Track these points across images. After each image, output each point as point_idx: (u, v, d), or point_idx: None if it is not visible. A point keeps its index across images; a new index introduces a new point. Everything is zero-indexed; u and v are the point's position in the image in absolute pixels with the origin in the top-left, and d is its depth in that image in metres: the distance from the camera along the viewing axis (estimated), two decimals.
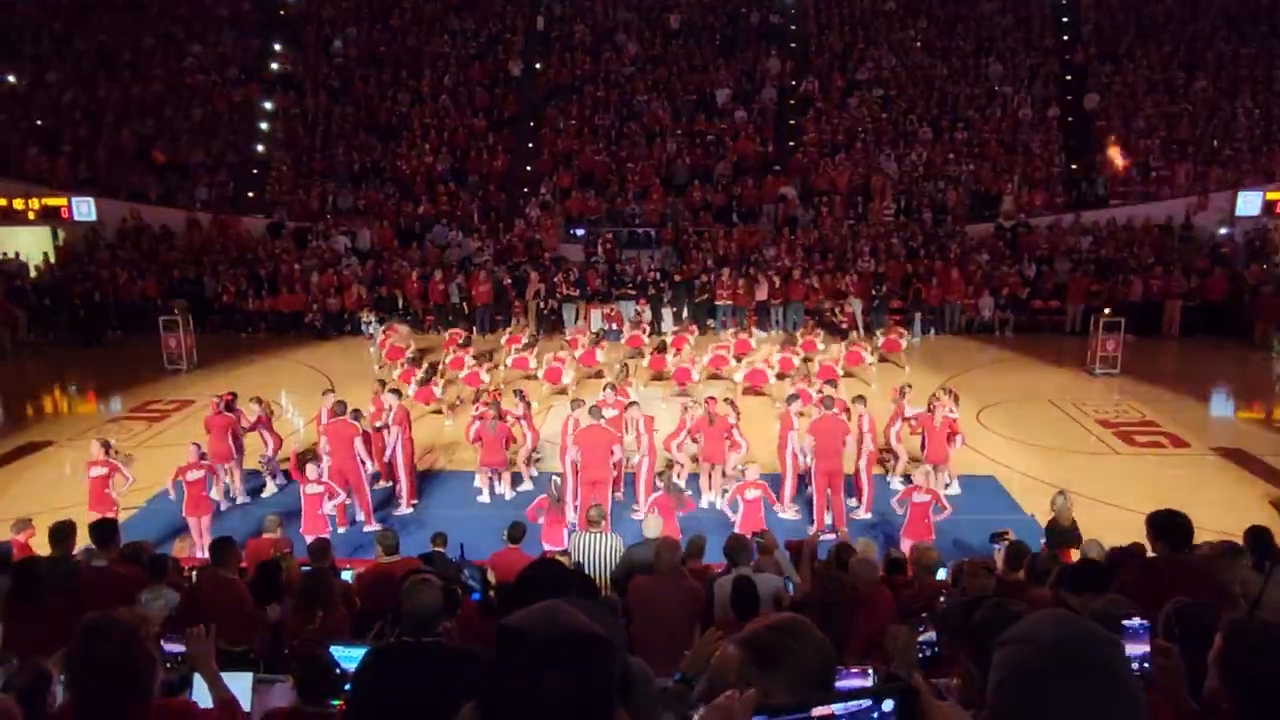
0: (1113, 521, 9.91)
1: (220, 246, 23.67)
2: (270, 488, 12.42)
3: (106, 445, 10.66)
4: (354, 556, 9.86)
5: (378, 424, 11.92)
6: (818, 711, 1.05)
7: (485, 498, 12.17)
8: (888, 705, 1.08)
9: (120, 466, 10.53)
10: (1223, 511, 10.43)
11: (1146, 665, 2.71)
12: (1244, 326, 20.37)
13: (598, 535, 8.31)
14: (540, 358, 16.72)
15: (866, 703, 1.08)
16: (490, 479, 12.26)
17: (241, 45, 28.00)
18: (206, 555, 8.42)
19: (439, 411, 15.29)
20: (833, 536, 9.92)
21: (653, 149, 25.46)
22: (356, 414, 11.54)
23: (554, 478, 10.89)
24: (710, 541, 7.88)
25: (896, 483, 12.31)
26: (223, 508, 11.74)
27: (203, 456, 10.83)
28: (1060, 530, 8.81)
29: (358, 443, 11.18)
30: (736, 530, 9.56)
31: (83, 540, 7.12)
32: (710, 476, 12.07)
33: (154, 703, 2.93)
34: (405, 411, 12.16)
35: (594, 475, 10.80)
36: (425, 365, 15.93)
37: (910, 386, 12.61)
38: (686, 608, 6.20)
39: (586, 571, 7.82)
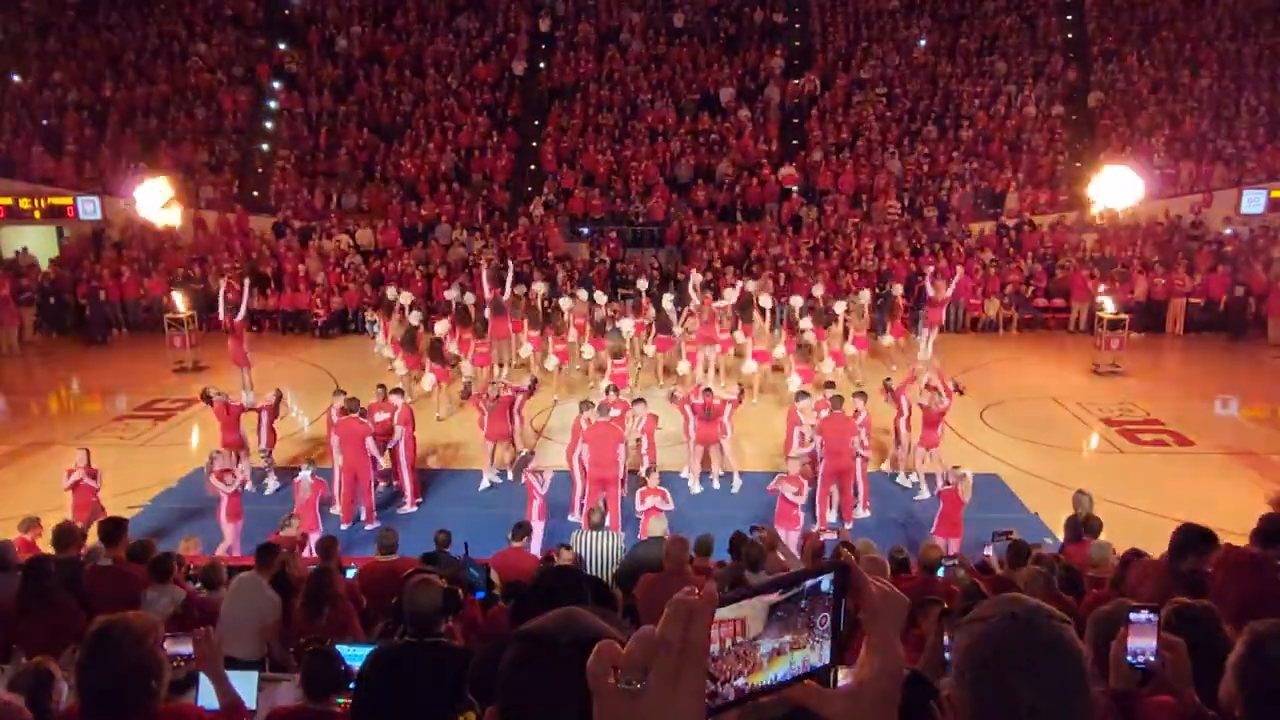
0: (1117, 520, 9.91)
1: (224, 245, 23.71)
2: (272, 483, 12.42)
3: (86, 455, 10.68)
4: (354, 554, 9.90)
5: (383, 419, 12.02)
6: (769, 598, 1.05)
7: (486, 482, 12.27)
8: (825, 585, 1.06)
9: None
10: (1226, 511, 10.43)
11: (1152, 659, 2.71)
12: (1249, 324, 20.32)
13: (601, 535, 8.36)
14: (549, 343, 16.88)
15: (809, 585, 1.08)
16: (493, 455, 12.40)
17: (245, 45, 28.04)
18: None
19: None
20: (834, 535, 9.95)
21: (656, 148, 25.46)
22: (365, 411, 11.61)
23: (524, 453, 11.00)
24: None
25: (901, 478, 12.50)
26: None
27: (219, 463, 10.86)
28: (1076, 525, 8.83)
29: (369, 441, 11.28)
30: (775, 524, 9.68)
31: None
32: (705, 460, 12.23)
33: (160, 706, 2.95)
34: (409, 410, 12.23)
35: (602, 473, 10.86)
36: (428, 341, 15.89)
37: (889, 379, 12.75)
38: None
39: (589, 570, 7.86)
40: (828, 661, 1.08)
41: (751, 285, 18.13)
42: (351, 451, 11.20)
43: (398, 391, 12.39)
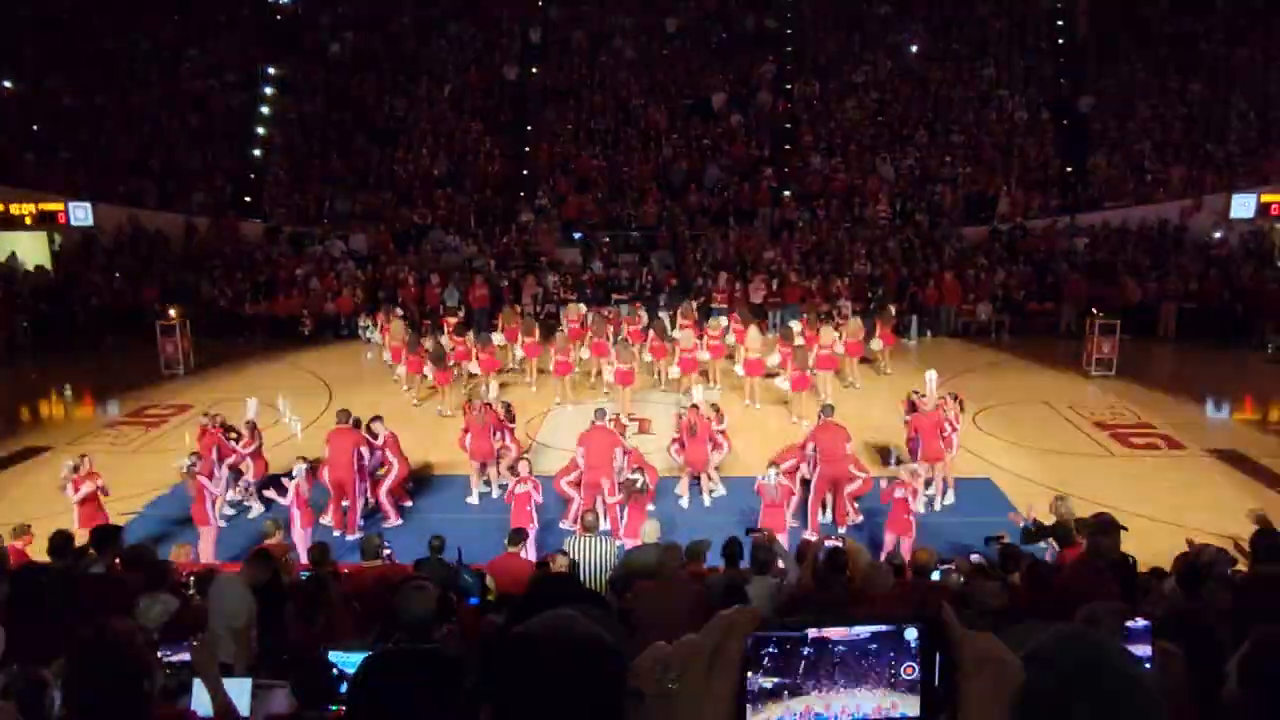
0: None
1: (217, 251, 23.68)
2: (256, 509, 12.29)
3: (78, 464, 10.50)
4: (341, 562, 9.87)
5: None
6: (814, 633, 1.02)
7: (474, 499, 12.16)
8: (910, 635, 1.03)
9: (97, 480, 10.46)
10: (1218, 514, 10.47)
11: (1148, 666, 2.73)
12: (1240, 328, 20.43)
13: (594, 539, 8.35)
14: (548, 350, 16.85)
15: (877, 630, 1.03)
16: (482, 474, 12.31)
17: (238, 50, 28.01)
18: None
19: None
20: (836, 541, 9.93)
21: (649, 153, 25.49)
22: (358, 423, 11.56)
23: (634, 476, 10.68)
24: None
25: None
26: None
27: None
28: (1066, 531, 8.84)
29: (363, 451, 11.23)
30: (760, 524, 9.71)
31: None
32: (699, 480, 12.19)
33: (153, 711, 2.95)
34: (394, 436, 12.06)
35: (597, 476, 10.85)
36: (432, 345, 15.87)
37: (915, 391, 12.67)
38: (690, 611, 6.22)
39: (582, 575, 7.86)
40: (912, 714, 1.04)
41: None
42: (339, 462, 11.15)
43: (378, 419, 12.27)
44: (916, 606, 6.32)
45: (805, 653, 1.02)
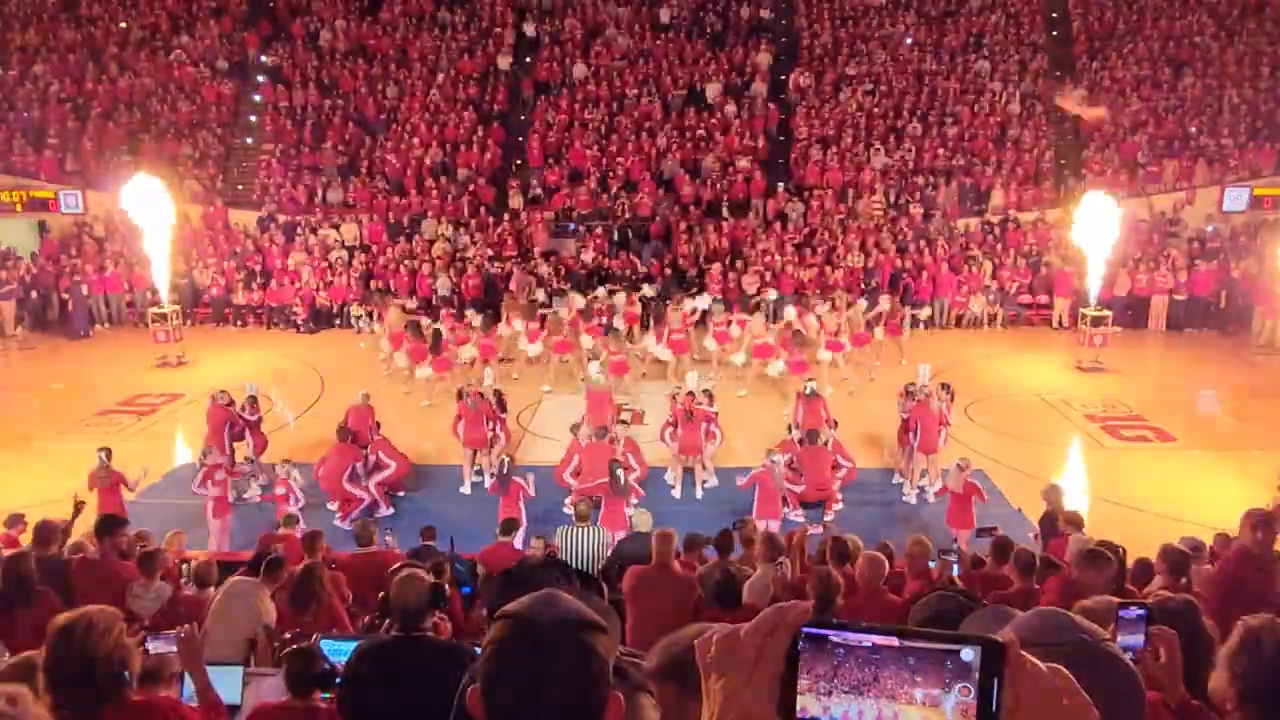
0: (1099, 515, 9.99)
1: (208, 239, 23.58)
2: (253, 489, 12.37)
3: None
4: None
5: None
6: (808, 629, 0.98)
7: (467, 488, 12.18)
8: (967, 655, 0.97)
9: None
10: (1209, 506, 10.52)
11: (1138, 650, 2.74)
12: (1232, 320, 20.51)
13: (585, 529, 8.37)
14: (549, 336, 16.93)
15: (898, 643, 0.98)
16: (474, 463, 12.33)
17: (229, 38, 27.83)
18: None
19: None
20: (820, 530, 9.97)
21: (643, 144, 25.43)
22: (354, 438, 11.64)
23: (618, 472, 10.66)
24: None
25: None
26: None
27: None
28: (1053, 522, 8.89)
29: (356, 467, 11.36)
30: (755, 514, 9.77)
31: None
32: (692, 469, 12.21)
33: (135, 699, 2.95)
34: (385, 441, 12.10)
35: (592, 489, 10.80)
36: (430, 333, 15.87)
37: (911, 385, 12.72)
38: (681, 599, 6.24)
39: (573, 565, 7.86)
40: None
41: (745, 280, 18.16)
42: (333, 474, 11.32)
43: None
44: (913, 600, 6.33)
45: (799, 645, 1.00)
